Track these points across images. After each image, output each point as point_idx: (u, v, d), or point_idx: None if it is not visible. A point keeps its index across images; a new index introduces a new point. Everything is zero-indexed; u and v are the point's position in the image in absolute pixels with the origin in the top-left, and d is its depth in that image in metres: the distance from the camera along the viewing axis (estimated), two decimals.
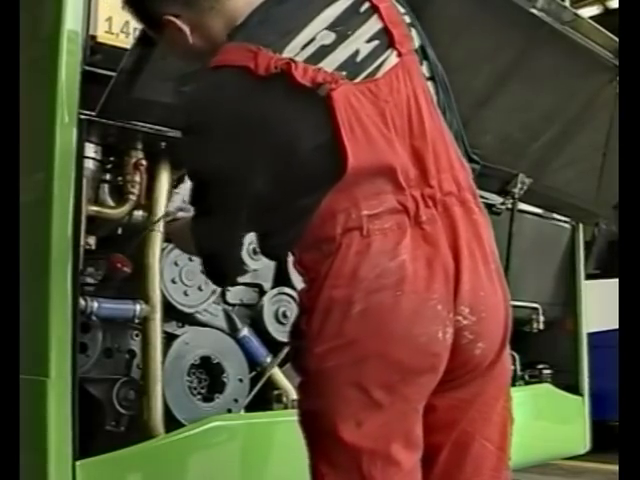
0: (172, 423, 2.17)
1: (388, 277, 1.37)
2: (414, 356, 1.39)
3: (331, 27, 1.44)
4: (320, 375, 1.39)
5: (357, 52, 1.44)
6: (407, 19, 1.54)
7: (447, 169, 1.47)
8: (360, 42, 1.46)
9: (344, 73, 1.41)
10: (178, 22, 1.51)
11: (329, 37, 1.43)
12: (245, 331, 2.45)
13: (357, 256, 1.37)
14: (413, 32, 1.54)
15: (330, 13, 1.45)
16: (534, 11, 2.47)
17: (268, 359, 2.47)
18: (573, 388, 3.63)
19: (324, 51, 1.42)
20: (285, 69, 1.38)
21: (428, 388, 1.44)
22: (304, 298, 1.43)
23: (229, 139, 1.41)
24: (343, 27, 1.44)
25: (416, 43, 1.53)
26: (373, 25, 1.47)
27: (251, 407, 2.41)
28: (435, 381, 1.44)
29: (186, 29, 1.51)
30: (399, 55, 1.47)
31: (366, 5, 1.48)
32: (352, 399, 1.38)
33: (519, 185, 3.12)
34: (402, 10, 1.53)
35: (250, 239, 2.45)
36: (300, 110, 1.39)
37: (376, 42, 1.47)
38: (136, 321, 2.16)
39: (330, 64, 1.41)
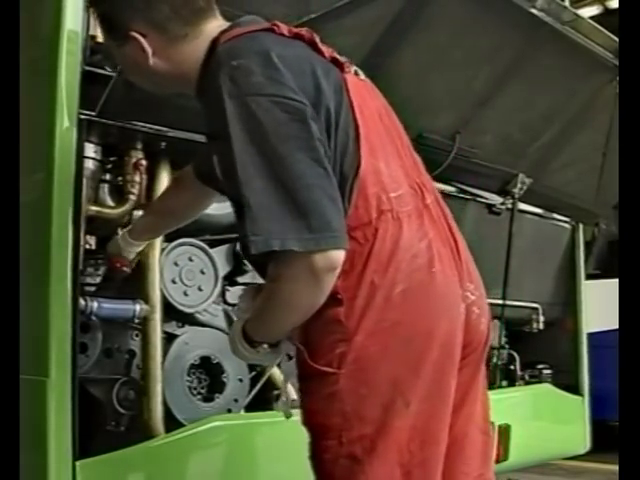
0: (172, 423, 2.17)
1: (422, 256, 1.43)
2: (449, 330, 1.44)
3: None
4: (361, 362, 1.39)
5: (336, 58, 1.51)
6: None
7: (417, 159, 1.59)
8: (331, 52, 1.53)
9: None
10: (143, 42, 1.49)
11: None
12: None
13: (393, 239, 1.41)
14: None
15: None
16: (534, 11, 2.47)
17: None
18: (573, 388, 3.63)
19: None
20: (307, 36, 1.48)
21: (457, 363, 1.48)
22: (340, 291, 1.39)
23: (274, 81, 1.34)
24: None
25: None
26: (330, 51, 1.53)
27: (251, 407, 2.41)
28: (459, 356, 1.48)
29: (149, 50, 1.50)
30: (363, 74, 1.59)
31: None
32: (400, 379, 1.40)
33: (519, 185, 3.13)
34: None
35: None
36: (324, 74, 1.42)
37: (344, 57, 1.54)
38: (136, 321, 2.16)
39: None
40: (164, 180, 2.24)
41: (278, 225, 1.29)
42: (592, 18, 2.90)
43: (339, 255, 1.32)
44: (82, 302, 1.99)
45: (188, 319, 2.35)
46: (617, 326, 2.15)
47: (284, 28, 1.46)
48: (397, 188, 1.44)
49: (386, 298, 1.39)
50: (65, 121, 1.89)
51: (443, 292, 1.44)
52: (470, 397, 1.56)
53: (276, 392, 2.47)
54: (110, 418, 2.17)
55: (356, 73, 1.54)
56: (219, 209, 2.42)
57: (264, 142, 1.31)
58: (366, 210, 1.41)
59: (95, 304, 2.03)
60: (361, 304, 1.39)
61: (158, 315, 2.17)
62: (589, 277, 4.01)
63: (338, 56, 1.49)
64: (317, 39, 1.48)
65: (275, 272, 1.37)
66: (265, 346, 1.51)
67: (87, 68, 1.94)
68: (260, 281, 1.58)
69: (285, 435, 2.35)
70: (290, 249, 1.28)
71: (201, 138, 2.13)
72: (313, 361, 1.42)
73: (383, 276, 1.40)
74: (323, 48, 1.47)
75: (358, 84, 1.50)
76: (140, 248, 2.07)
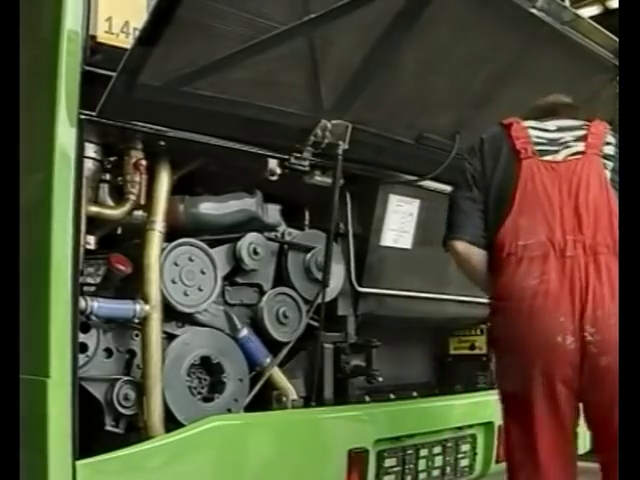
0: (172, 423, 2.17)
1: (528, 290, 2.02)
2: (539, 350, 2.01)
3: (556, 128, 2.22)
4: (496, 351, 2.20)
5: (557, 139, 2.17)
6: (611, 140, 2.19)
7: (605, 227, 2.07)
8: (563, 133, 2.18)
9: (537, 148, 2.15)
10: None
11: (549, 126, 2.23)
12: (245, 331, 2.44)
13: (512, 274, 2.07)
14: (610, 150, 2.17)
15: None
16: (534, 11, 2.47)
17: (268, 359, 2.47)
18: None
19: (539, 127, 2.22)
20: (506, 124, 2.22)
21: (560, 382, 2.01)
22: (490, 301, 2.18)
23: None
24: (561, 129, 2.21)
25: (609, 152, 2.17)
26: (579, 131, 2.19)
27: (251, 407, 2.41)
28: (567, 378, 2.01)
29: None
30: (585, 150, 2.14)
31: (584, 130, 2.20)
32: (507, 375, 2.12)
33: None
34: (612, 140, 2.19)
35: (251, 239, 2.46)
36: (494, 152, 2.20)
37: (573, 136, 2.17)
38: (136, 321, 2.16)
39: (535, 137, 2.18)
40: (164, 180, 2.24)
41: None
42: (592, 18, 2.89)
43: (458, 244, 2.18)
44: (82, 302, 1.99)
45: (188, 319, 2.35)
46: None
47: (507, 120, 2.22)
48: (528, 238, 2.06)
49: (500, 316, 2.10)
50: (65, 121, 1.89)
51: (536, 320, 2.00)
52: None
53: (276, 392, 2.47)
54: (110, 418, 2.17)
55: (555, 153, 2.15)
56: (219, 209, 2.42)
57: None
58: (501, 251, 2.10)
59: (95, 304, 2.03)
60: (492, 316, 2.17)
61: (158, 315, 2.17)
62: None
63: (519, 147, 2.15)
64: (513, 131, 2.18)
65: None
66: None
67: (87, 68, 1.94)
68: None
69: (285, 435, 2.35)
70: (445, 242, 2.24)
71: (201, 138, 2.15)
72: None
73: (500, 299, 2.10)
74: (514, 138, 2.17)
75: (534, 166, 2.12)
76: None
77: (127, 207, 2.19)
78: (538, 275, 2.01)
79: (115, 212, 2.18)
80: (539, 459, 2.05)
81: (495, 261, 2.12)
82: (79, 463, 1.85)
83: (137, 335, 2.23)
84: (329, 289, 2.57)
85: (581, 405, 2.12)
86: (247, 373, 2.42)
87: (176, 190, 2.31)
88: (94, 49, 1.97)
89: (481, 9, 2.37)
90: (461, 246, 2.17)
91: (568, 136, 2.19)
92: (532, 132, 2.20)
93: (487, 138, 2.23)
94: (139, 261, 2.16)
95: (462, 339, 3.47)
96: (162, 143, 2.15)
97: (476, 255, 2.17)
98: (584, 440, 3.56)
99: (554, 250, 2.02)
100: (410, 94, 2.50)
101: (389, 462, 2.62)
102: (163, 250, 2.23)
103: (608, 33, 2.75)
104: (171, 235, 2.28)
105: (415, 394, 2.93)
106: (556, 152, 2.15)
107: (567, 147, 2.15)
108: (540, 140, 2.18)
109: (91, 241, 2.12)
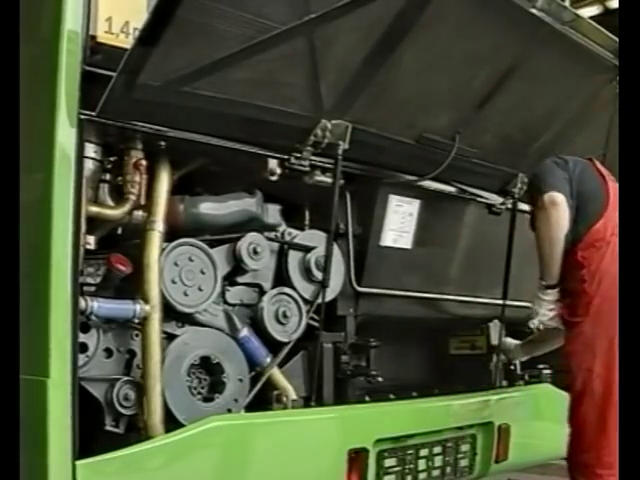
0: (172, 423, 2.17)
1: None
2: None
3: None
4: (594, 314, 2.60)
5: (602, 174, 2.87)
6: None
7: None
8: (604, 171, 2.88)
9: (611, 177, 2.83)
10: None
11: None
12: (245, 331, 2.44)
13: (616, 250, 2.61)
14: None
15: None
16: (534, 11, 2.47)
17: (268, 359, 2.47)
18: None
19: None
20: (589, 158, 2.89)
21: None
22: (584, 274, 2.65)
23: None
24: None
25: None
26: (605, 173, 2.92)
27: (251, 407, 2.41)
28: None
29: None
30: None
31: None
32: (605, 326, 2.52)
33: (519, 185, 3.13)
34: None
35: (251, 239, 2.46)
36: (581, 172, 2.81)
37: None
38: (136, 321, 2.16)
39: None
40: (164, 180, 2.24)
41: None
42: (592, 18, 2.89)
43: (560, 197, 2.64)
44: (82, 302, 1.99)
45: (188, 319, 2.35)
46: None
47: (588, 157, 2.90)
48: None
49: (613, 279, 2.50)
50: (65, 121, 1.89)
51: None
52: None
53: (276, 392, 2.48)
54: (110, 418, 2.17)
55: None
56: (219, 209, 2.42)
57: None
58: (604, 232, 2.65)
59: (95, 304, 2.03)
60: (597, 281, 2.60)
61: (158, 315, 2.17)
62: None
63: (605, 175, 2.83)
64: (596, 164, 2.88)
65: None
66: (548, 291, 2.74)
67: (87, 68, 1.94)
68: None
69: (285, 435, 2.35)
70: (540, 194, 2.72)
71: (201, 138, 2.15)
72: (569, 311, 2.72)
73: (611, 267, 2.56)
74: (600, 168, 2.86)
75: (615, 186, 2.75)
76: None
77: (127, 207, 2.19)
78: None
79: (115, 212, 2.18)
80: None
81: (594, 240, 2.66)
82: (79, 463, 1.85)
83: (137, 335, 2.23)
84: (329, 289, 2.57)
85: None
86: (247, 373, 2.42)
87: (176, 190, 2.31)
88: (94, 49, 1.97)
89: (481, 9, 2.38)
90: (561, 199, 2.64)
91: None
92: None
93: (571, 159, 2.81)
94: (139, 261, 2.16)
95: (462, 339, 3.48)
96: (162, 143, 2.15)
97: (567, 213, 2.65)
98: None
99: None
100: (410, 94, 2.50)
101: (389, 462, 2.62)
102: (163, 250, 2.23)
103: (608, 33, 2.76)
104: (171, 235, 2.28)
105: (415, 394, 2.94)
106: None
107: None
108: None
109: (91, 241, 2.12)
